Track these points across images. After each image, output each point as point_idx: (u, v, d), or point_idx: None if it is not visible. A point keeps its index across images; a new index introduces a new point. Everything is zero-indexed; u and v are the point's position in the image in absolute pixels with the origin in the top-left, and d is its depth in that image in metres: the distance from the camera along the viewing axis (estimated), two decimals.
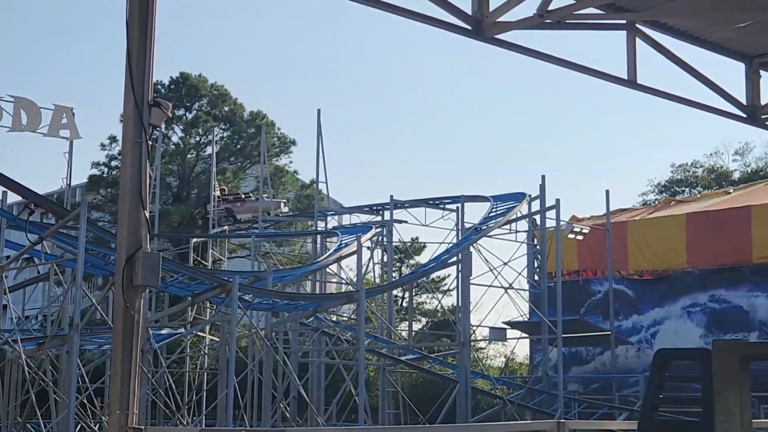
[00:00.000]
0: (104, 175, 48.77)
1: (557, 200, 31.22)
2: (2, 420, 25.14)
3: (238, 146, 50.22)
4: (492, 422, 23.31)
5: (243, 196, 39.47)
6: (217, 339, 31.31)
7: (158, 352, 27.31)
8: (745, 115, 14.20)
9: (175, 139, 49.39)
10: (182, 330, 29.90)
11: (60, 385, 24.76)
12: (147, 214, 8.50)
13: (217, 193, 36.01)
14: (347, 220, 39.29)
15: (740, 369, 4.90)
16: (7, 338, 22.59)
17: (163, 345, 28.19)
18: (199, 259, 35.71)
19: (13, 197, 25.00)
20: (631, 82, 12.75)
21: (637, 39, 12.83)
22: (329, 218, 37.79)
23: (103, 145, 48.92)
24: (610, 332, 32.53)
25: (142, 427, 8.01)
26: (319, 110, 33.06)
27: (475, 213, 39.86)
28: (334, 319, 32.56)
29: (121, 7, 8.41)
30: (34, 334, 28.26)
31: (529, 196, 31.92)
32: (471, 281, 28.49)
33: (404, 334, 35.73)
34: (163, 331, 28.67)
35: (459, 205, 33.00)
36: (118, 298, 8.25)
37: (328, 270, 33.08)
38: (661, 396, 8.00)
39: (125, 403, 7.94)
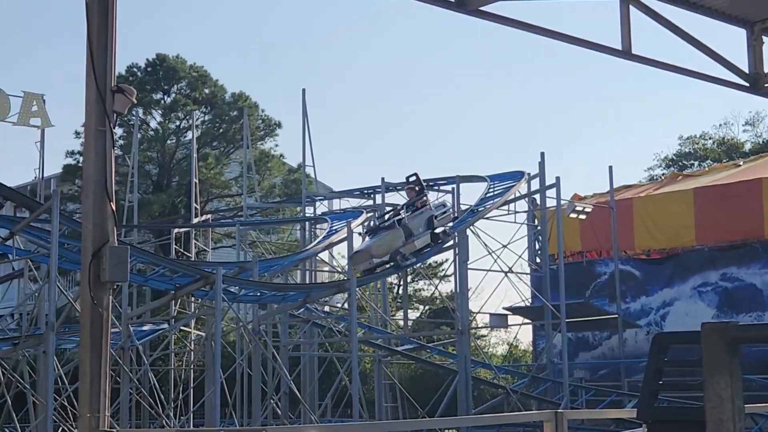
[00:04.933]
0: (79, 165, 48.65)
1: (557, 178, 31.28)
2: None
3: (221, 130, 50.12)
4: (492, 414, 23.40)
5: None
6: (202, 334, 31.38)
7: (140, 350, 27.37)
8: (747, 84, 14.21)
9: (153, 124, 49.34)
10: (165, 325, 29.95)
11: (38, 387, 24.81)
12: (113, 206, 8.51)
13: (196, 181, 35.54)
14: (337, 205, 39.26)
15: (730, 353, 4.95)
16: None
17: (145, 342, 28.24)
18: (182, 250, 35.73)
19: None
20: (625, 53, 12.76)
21: (631, 7, 12.84)
22: (318, 203, 37.83)
23: (77, 133, 48.78)
24: (617, 315, 32.63)
25: (114, 430, 8.05)
26: (304, 90, 33.01)
27: (471, 194, 39.83)
28: (326, 309, 32.64)
29: None
30: (10, 334, 28.31)
31: (528, 174, 31.95)
32: (469, 266, 28.56)
33: (400, 323, 35.81)
34: (145, 328, 28.71)
35: (454, 186, 33.02)
36: (85, 296, 8.27)
37: (317, 258, 33.14)
38: (661, 382, 8.07)
39: (96, 405, 7.98)
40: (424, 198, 27.43)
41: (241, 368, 27.64)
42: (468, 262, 28.51)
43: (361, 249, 26.71)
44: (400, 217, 26.76)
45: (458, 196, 32.75)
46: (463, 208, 31.71)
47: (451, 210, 28.89)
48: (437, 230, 27.02)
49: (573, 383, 30.93)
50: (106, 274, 8.20)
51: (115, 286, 11.30)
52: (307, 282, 32.71)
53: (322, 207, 39.01)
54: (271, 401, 27.64)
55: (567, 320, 29.45)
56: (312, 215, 35.83)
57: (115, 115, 8.46)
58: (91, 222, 8.36)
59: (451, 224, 27.89)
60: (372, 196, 35.30)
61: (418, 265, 30.76)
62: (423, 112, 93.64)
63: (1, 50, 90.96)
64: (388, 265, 26.25)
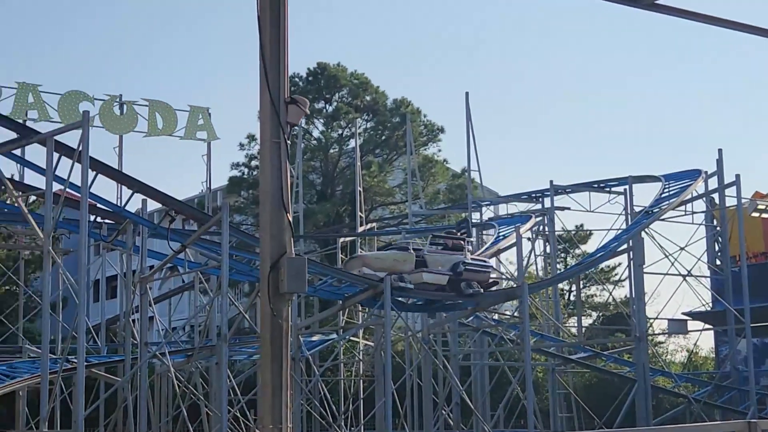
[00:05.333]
0: (245, 176, 49.92)
1: (737, 176, 30.41)
2: None
3: (383, 137, 50.61)
4: (676, 424, 22.87)
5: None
6: (371, 344, 31.76)
7: (310, 360, 27.89)
8: None
9: (315, 133, 50.20)
10: (334, 336, 30.46)
11: (211, 398, 25.62)
12: (290, 217, 8.74)
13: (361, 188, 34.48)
14: (504, 210, 39.20)
15: None
16: (156, 351, 23.47)
17: (315, 352, 28.78)
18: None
19: (153, 205, 25.94)
20: None
21: None
22: (484, 209, 37.76)
23: (241, 145, 50.11)
24: None
25: None
26: (467, 93, 33.10)
27: (645, 195, 38.99)
28: (496, 317, 32.54)
29: (252, 1, 8.63)
30: (182, 346, 29.32)
31: (705, 172, 31.21)
32: (644, 270, 28.05)
33: (573, 330, 35.42)
34: (315, 338, 29.26)
35: (627, 187, 32.53)
36: (265, 307, 8.50)
37: None
38: None
39: (278, 417, 8.19)
40: (461, 243, 25.79)
41: (411, 379, 27.87)
42: (644, 266, 28.00)
43: (357, 255, 26.30)
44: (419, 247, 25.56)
45: (631, 197, 32.27)
46: (637, 209, 31.20)
47: (492, 272, 26.36)
48: (463, 281, 24.84)
49: (760, 391, 29.99)
50: (284, 286, 8.41)
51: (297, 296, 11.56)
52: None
53: (488, 212, 38.97)
54: (443, 412, 27.75)
55: (752, 325, 28.61)
56: (478, 221, 35.81)
57: (289, 126, 8.69)
58: (268, 233, 8.60)
59: (481, 289, 25.41)
60: (540, 199, 35.06)
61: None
62: (592, 111, 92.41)
63: (169, 66, 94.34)
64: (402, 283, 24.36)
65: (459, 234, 26.40)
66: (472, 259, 25.66)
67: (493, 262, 28.59)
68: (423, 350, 27.56)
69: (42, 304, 20.27)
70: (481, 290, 25.29)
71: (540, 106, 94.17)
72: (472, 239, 27.60)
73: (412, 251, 24.65)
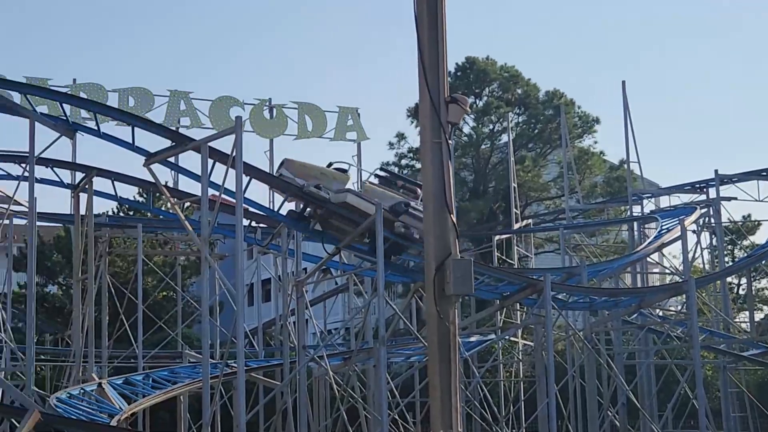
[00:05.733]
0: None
1: None
2: None
3: (536, 131, 50.34)
4: None
5: None
6: (531, 343, 31.61)
7: (469, 362, 27.93)
8: None
9: (466, 130, 50.23)
10: (492, 336, 30.42)
11: (369, 401, 25.93)
12: (453, 218, 8.82)
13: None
14: (666, 202, 38.49)
15: None
16: (313, 355, 23.88)
17: (473, 353, 28.80)
18: (503, 257, 36.17)
19: None
20: None
21: None
22: (645, 201, 37.19)
23: (390, 144, 50.56)
24: None
25: None
26: (623, 82, 32.86)
27: None
28: (661, 314, 31.97)
29: (404, 1, 8.71)
30: (338, 349, 29.75)
31: None
32: None
33: (744, 326, 34.54)
34: (472, 339, 29.27)
35: None
36: (431, 310, 8.60)
37: (649, 260, 32.58)
38: None
39: (447, 420, 8.28)
40: (417, 189, 22.20)
41: (574, 379, 27.63)
42: None
43: (285, 159, 22.99)
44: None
45: None
46: None
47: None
48: (400, 222, 22.03)
49: None
50: (450, 288, 8.50)
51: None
52: (639, 285, 32.22)
53: (649, 205, 38.39)
54: (608, 413, 27.43)
55: None
56: (640, 214, 35.27)
57: (450, 126, 8.78)
58: (432, 235, 8.70)
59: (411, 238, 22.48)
60: (705, 190, 34.36)
61: None
62: (759, 95, 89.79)
63: (316, 68, 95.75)
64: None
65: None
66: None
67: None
68: (585, 349, 27.28)
69: (201, 309, 20.90)
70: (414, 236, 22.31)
71: (702, 93, 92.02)
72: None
73: (349, 175, 22.59)
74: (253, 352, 30.81)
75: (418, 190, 22.30)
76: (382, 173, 23.37)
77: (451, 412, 8.30)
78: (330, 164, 22.74)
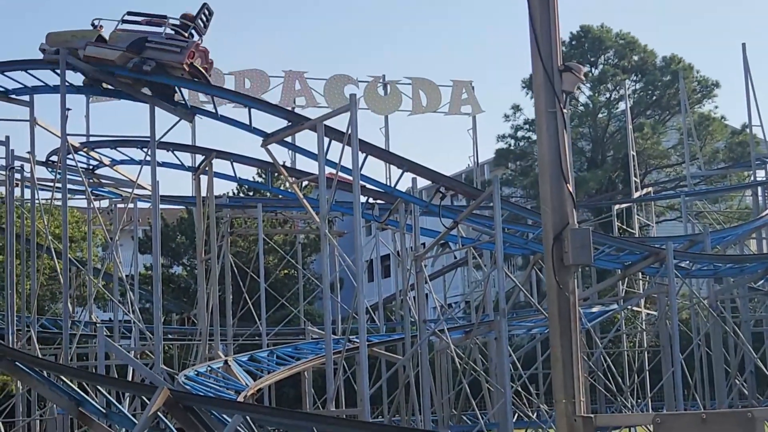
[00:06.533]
0: (511, 148, 50.02)
1: None
2: (438, 413, 26.75)
3: (654, 98, 49.54)
4: None
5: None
6: (654, 313, 31.18)
7: (591, 332, 27.70)
8: None
9: (582, 99, 49.67)
10: (615, 306, 30.09)
11: (491, 374, 25.92)
12: (570, 188, 8.74)
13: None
14: None
15: None
16: (434, 329, 23.95)
17: (595, 324, 28.55)
18: (624, 227, 35.71)
19: (422, 182, 26.44)
20: None
21: None
22: None
23: (506, 116, 50.24)
24: None
25: (592, 416, 8.26)
26: (743, 44, 32.04)
27: None
28: None
29: None
30: (459, 323, 29.79)
31: None
32: None
33: None
34: (594, 309, 29.01)
35: None
36: (550, 281, 8.55)
37: None
38: None
39: (570, 391, 8.23)
40: (162, 20, 21.46)
41: (699, 348, 27.18)
42: None
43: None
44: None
45: None
46: None
47: (186, 54, 21.28)
48: (143, 58, 20.92)
49: None
50: (569, 258, 8.44)
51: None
52: (765, 251, 31.48)
53: None
54: (736, 382, 26.93)
55: None
56: (764, 178, 34.44)
57: (564, 95, 8.69)
58: (549, 205, 8.65)
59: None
60: None
61: None
62: None
63: (429, 42, 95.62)
64: None
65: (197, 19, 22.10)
66: (166, 36, 21.57)
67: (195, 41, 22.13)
68: (711, 317, 26.81)
69: (322, 285, 21.11)
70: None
71: None
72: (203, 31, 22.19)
73: (98, 29, 21.70)
74: (374, 327, 31.04)
75: (163, 21, 21.64)
76: (128, 17, 22.19)
77: (574, 383, 8.23)
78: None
